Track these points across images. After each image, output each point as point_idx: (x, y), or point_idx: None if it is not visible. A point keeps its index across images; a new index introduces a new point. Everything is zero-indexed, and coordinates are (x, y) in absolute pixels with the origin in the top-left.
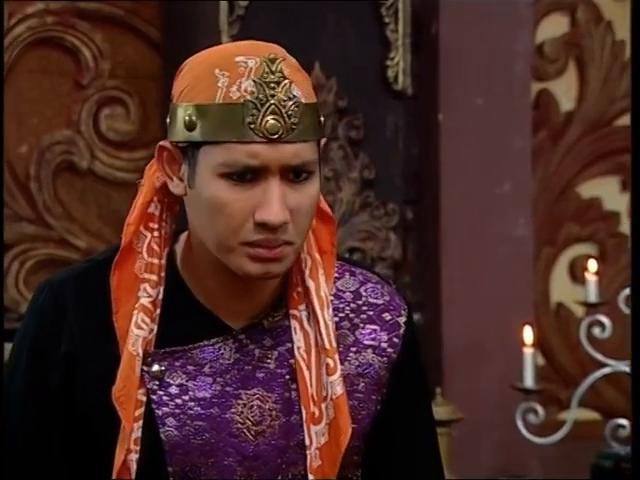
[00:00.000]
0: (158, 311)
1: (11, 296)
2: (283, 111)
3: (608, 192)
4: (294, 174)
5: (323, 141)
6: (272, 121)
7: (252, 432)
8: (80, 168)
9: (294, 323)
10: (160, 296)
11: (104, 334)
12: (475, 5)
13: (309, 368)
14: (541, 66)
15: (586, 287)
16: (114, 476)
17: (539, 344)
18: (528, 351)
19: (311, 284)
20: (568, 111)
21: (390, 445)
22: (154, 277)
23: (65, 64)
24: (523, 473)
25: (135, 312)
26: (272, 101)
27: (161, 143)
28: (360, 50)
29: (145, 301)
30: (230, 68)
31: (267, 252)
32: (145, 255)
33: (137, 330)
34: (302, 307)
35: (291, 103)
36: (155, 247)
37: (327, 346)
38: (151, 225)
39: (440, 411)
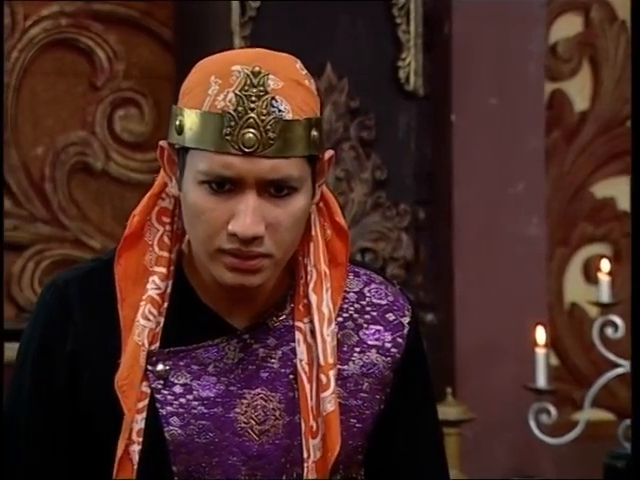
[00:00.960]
0: (166, 304)
1: (26, 296)
2: (261, 125)
3: (622, 192)
4: (274, 189)
5: (328, 154)
6: (249, 135)
7: (256, 431)
8: (95, 169)
9: (298, 335)
10: (168, 290)
11: (110, 333)
12: (488, 5)
13: (310, 381)
14: (555, 66)
15: (599, 287)
16: (115, 466)
17: (553, 344)
18: (540, 351)
19: (313, 298)
20: (582, 111)
21: (394, 444)
22: (163, 270)
23: (80, 65)
24: (536, 473)
25: (143, 303)
26: (251, 114)
27: (160, 143)
28: (372, 51)
29: (153, 293)
30: (224, 77)
31: (241, 263)
32: (156, 248)
33: (144, 321)
34: (307, 320)
35: (270, 118)
36: (166, 240)
37: (322, 362)
38: (164, 219)
39: (451, 411)
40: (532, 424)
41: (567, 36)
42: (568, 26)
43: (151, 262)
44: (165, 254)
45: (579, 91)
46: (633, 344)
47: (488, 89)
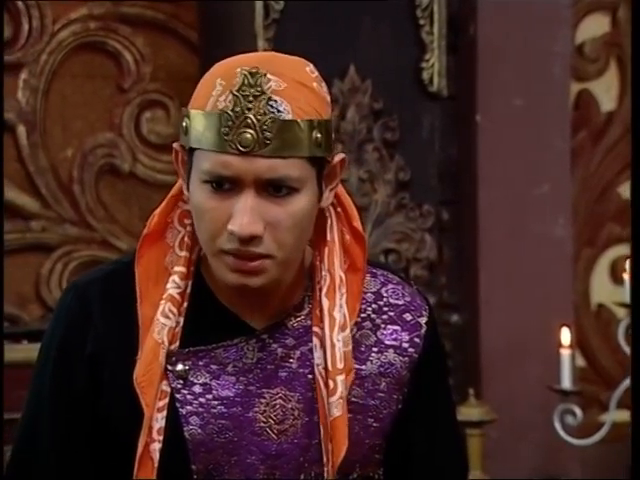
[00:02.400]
0: (185, 304)
1: (55, 297)
2: (257, 125)
3: None
4: (273, 188)
5: (338, 158)
6: (246, 134)
7: (275, 431)
8: (122, 171)
9: (315, 340)
10: (188, 289)
11: (130, 335)
12: (513, 6)
13: (327, 386)
14: (581, 66)
15: (625, 288)
16: (136, 464)
17: (580, 345)
18: (565, 352)
19: (325, 303)
20: (609, 111)
21: (412, 444)
22: (183, 269)
23: (107, 68)
24: (562, 474)
25: (163, 302)
26: (248, 114)
27: (174, 145)
28: (395, 52)
29: (174, 292)
30: (228, 78)
31: (243, 264)
32: (177, 249)
33: (164, 319)
34: (322, 325)
35: (267, 118)
36: (187, 241)
37: (330, 367)
38: (185, 221)
39: (473, 412)
40: (557, 425)
41: (594, 36)
42: (595, 26)
43: (172, 263)
44: (185, 254)
45: (606, 91)
46: (633, 344)
47: (513, 90)
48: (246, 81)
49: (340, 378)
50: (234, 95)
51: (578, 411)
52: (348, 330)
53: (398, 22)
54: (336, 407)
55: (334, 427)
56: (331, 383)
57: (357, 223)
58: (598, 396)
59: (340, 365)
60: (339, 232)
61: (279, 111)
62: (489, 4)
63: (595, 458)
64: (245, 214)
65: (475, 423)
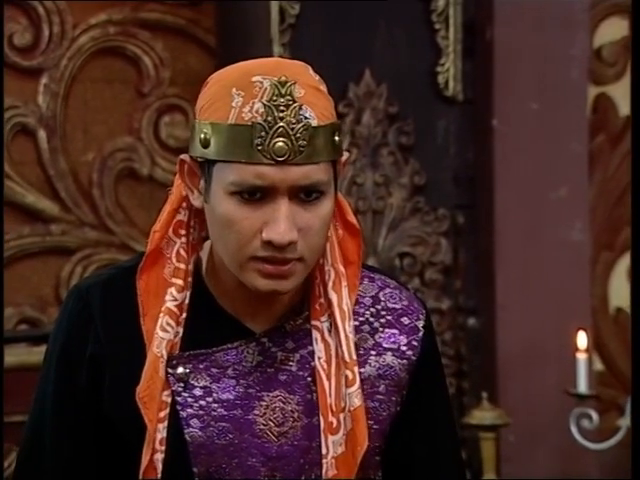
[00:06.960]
0: (184, 315)
1: None
2: (291, 134)
3: None
4: (304, 194)
5: (345, 157)
6: (280, 143)
7: (275, 433)
8: (141, 174)
9: (315, 334)
10: (187, 300)
11: (130, 337)
12: (530, 10)
13: (329, 378)
14: (599, 70)
15: None
16: (141, 475)
17: (598, 349)
18: (582, 356)
19: (333, 296)
20: (627, 115)
21: (410, 446)
22: (180, 282)
23: (127, 73)
24: (579, 478)
25: (161, 315)
26: (280, 124)
27: (181, 157)
28: (411, 56)
29: (171, 305)
30: (246, 88)
31: (275, 269)
32: (174, 260)
33: (162, 333)
34: (324, 318)
35: (300, 126)
36: (182, 253)
37: (347, 358)
38: (180, 231)
39: (486, 416)
40: (573, 429)
41: (612, 40)
42: (613, 30)
43: (170, 274)
44: (182, 266)
45: (624, 95)
46: (633, 344)
47: (530, 94)
48: (276, 91)
49: (356, 369)
50: (265, 105)
51: (594, 415)
52: (352, 321)
53: (413, 26)
54: (356, 397)
55: (355, 417)
56: (349, 374)
57: (351, 217)
58: (616, 400)
59: (354, 356)
60: (334, 227)
61: (307, 118)
62: (506, 8)
63: (612, 462)
64: (282, 222)
65: (488, 427)
